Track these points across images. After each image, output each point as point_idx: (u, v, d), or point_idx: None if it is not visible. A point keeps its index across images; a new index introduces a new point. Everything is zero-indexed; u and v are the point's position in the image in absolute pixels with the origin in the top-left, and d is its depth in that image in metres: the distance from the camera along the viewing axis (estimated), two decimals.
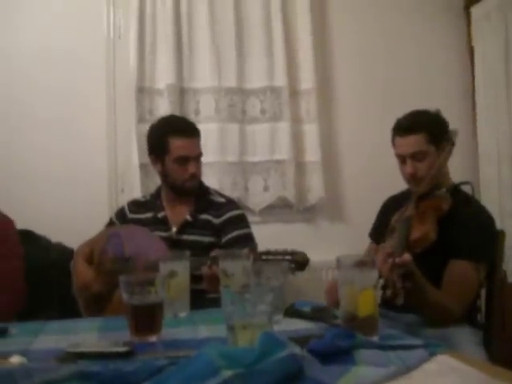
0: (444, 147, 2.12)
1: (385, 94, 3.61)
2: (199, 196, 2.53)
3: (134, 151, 3.27)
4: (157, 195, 2.60)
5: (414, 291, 1.71)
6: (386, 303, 1.66)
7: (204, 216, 2.47)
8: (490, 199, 3.29)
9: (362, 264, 1.36)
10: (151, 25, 3.34)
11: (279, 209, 3.50)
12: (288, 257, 1.79)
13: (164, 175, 2.50)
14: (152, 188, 2.82)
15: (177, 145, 2.42)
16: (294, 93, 3.47)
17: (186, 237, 2.43)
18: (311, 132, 3.47)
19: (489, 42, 3.46)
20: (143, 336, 1.41)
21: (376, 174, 3.43)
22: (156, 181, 2.79)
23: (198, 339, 1.44)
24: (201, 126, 2.61)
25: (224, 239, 2.42)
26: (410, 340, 1.29)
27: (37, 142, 3.25)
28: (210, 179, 3.10)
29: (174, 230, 2.46)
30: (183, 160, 2.42)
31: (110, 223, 2.61)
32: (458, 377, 1.05)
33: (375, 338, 1.30)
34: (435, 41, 3.73)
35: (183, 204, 2.50)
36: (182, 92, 3.37)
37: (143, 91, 3.33)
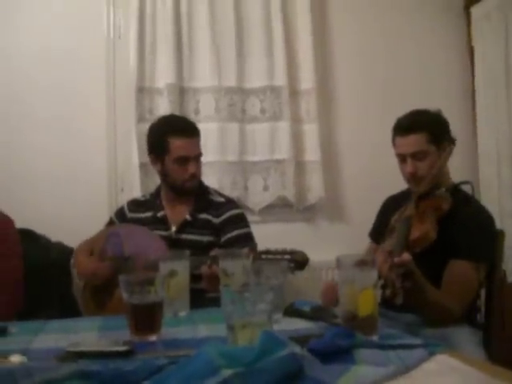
0: (445, 147, 2.12)
1: (385, 94, 3.61)
2: (199, 195, 2.53)
3: (133, 151, 3.27)
4: (156, 194, 2.60)
5: (413, 291, 1.71)
6: (386, 303, 1.66)
7: (203, 215, 2.47)
8: (490, 199, 3.29)
9: (362, 263, 1.37)
10: (151, 25, 3.34)
11: (279, 208, 3.50)
12: (287, 256, 1.79)
13: (164, 175, 2.50)
14: (152, 187, 2.82)
15: (177, 145, 2.42)
16: (294, 92, 3.47)
17: (185, 236, 2.43)
18: (311, 132, 3.46)
19: (489, 42, 3.46)
20: (143, 335, 1.42)
21: (376, 173, 3.42)
22: (156, 180, 2.79)
23: (198, 338, 1.44)
24: (201, 126, 2.61)
25: (223, 239, 2.42)
26: (410, 339, 1.30)
27: (37, 142, 3.24)
28: (210, 179, 3.10)
29: (174, 229, 2.46)
30: (183, 160, 2.42)
31: (110, 222, 2.62)
32: (458, 376, 1.06)
33: (375, 338, 1.30)
34: (435, 41, 3.73)
35: (183, 203, 2.50)
36: (181, 91, 3.37)
37: (143, 91, 3.32)
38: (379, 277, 1.47)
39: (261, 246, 2.21)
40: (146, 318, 1.44)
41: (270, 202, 3.46)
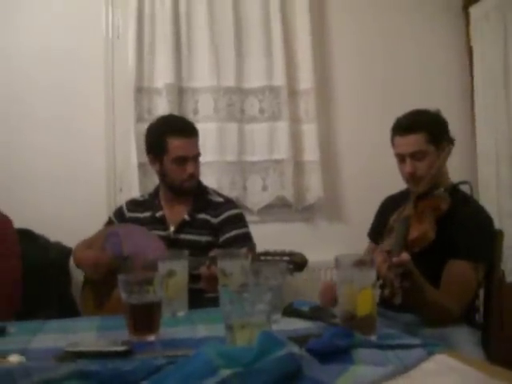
0: (444, 147, 2.12)
1: (384, 94, 3.61)
2: (197, 195, 2.53)
3: (132, 150, 3.27)
4: (155, 194, 2.60)
5: (412, 291, 1.71)
6: (384, 302, 1.66)
7: (202, 215, 2.47)
8: (489, 199, 3.30)
9: (360, 263, 1.37)
10: (150, 25, 3.34)
11: (278, 208, 3.50)
12: (286, 258, 1.79)
13: (162, 175, 2.50)
14: (150, 187, 2.82)
15: (175, 145, 2.41)
16: (293, 92, 3.47)
17: (183, 236, 2.43)
18: (310, 132, 3.47)
19: (488, 42, 3.47)
20: (142, 335, 1.42)
21: (375, 173, 3.43)
22: (154, 180, 2.78)
23: (197, 338, 1.44)
24: (199, 126, 2.61)
25: (222, 238, 2.42)
26: (409, 339, 1.30)
27: (36, 142, 3.24)
28: (209, 179, 3.11)
29: (172, 229, 2.46)
30: (181, 160, 2.42)
31: (109, 222, 2.62)
32: (457, 376, 1.06)
33: (373, 338, 1.30)
34: (434, 41, 3.73)
35: (181, 203, 2.50)
36: (180, 91, 3.37)
37: (142, 91, 3.32)
38: (378, 277, 1.47)
39: (259, 245, 2.21)
40: (145, 317, 1.44)
41: (268, 202, 3.46)
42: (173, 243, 2.38)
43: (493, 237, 2.10)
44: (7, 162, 3.20)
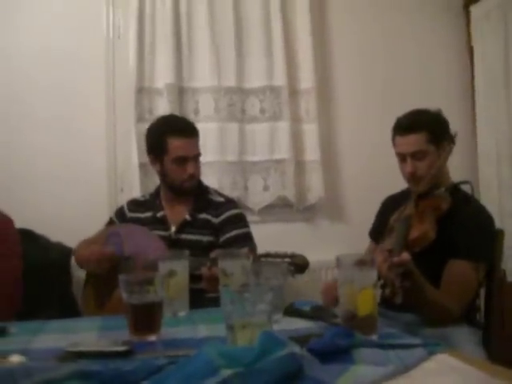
0: (444, 147, 2.12)
1: (384, 94, 3.61)
2: (198, 195, 2.53)
3: (133, 151, 3.27)
4: (156, 195, 2.60)
5: (412, 290, 1.71)
6: (385, 302, 1.66)
7: (203, 215, 2.47)
8: (490, 199, 3.29)
9: (361, 263, 1.37)
10: (150, 25, 3.34)
11: (279, 208, 3.50)
12: (288, 259, 1.79)
13: (163, 175, 2.51)
14: (151, 187, 2.82)
15: (175, 145, 2.42)
16: (294, 92, 3.47)
17: (184, 236, 2.43)
18: (311, 131, 3.47)
19: (488, 42, 3.46)
20: (142, 335, 1.42)
21: (376, 173, 3.43)
22: (155, 180, 2.78)
23: (198, 338, 1.44)
24: (200, 126, 2.62)
25: (222, 238, 2.42)
26: (409, 339, 1.30)
27: (37, 142, 3.24)
28: (210, 179, 3.10)
29: (173, 229, 2.46)
30: (182, 160, 2.42)
31: (110, 222, 2.62)
32: (458, 376, 1.06)
33: (374, 337, 1.30)
34: (435, 40, 3.73)
35: (182, 203, 2.50)
36: (181, 91, 3.37)
37: (142, 91, 3.32)
38: (378, 276, 1.47)
39: (260, 246, 2.21)
40: (146, 317, 1.44)
41: (269, 202, 3.46)
42: (174, 243, 2.38)
43: (494, 236, 2.10)
44: (7, 162, 3.20)
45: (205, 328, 1.55)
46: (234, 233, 2.42)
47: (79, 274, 2.62)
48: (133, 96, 3.27)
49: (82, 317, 2.36)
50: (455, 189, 2.14)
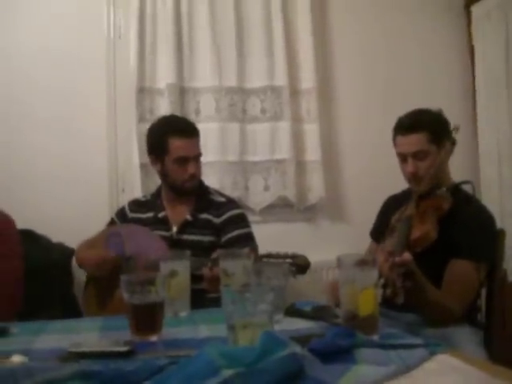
0: (446, 146, 2.12)
1: (385, 94, 3.61)
2: (199, 195, 2.53)
3: (134, 151, 3.27)
4: (157, 195, 2.60)
5: (414, 290, 1.71)
6: (386, 302, 1.66)
7: (204, 215, 2.47)
8: (491, 199, 3.29)
9: (362, 263, 1.37)
10: (151, 25, 3.34)
11: (280, 208, 3.50)
12: (289, 260, 1.79)
13: (164, 175, 2.51)
14: (152, 188, 2.82)
15: (176, 145, 2.42)
16: (295, 92, 3.47)
17: (186, 236, 2.44)
18: (312, 131, 3.47)
19: (489, 41, 3.46)
20: (144, 335, 1.42)
21: (377, 173, 3.43)
22: (156, 180, 2.79)
23: (199, 339, 1.44)
24: (201, 126, 2.62)
25: (224, 238, 2.42)
26: (411, 339, 1.30)
27: (37, 142, 3.24)
28: (211, 179, 3.10)
29: (175, 229, 2.46)
30: (183, 160, 2.42)
31: (111, 222, 2.62)
32: (459, 376, 1.06)
33: (376, 337, 1.30)
34: (436, 40, 3.73)
35: (183, 204, 2.51)
36: (182, 91, 3.37)
37: (144, 91, 3.32)
38: (380, 276, 1.47)
39: (262, 246, 2.21)
40: (147, 318, 1.44)
41: (270, 202, 3.46)
42: (175, 243, 2.38)
43: (495, 236, 2.10)
44: (8, 162, 3.20)
45: (206, 328, 1.55)
46: (235, 233, 2.43)
47: (80, 274, 2.62)
48: (134, 96, 3.27)
49: (83, 317, 2.36)
50: (456, 189, 2.14)
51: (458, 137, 2.18)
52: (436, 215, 2.00)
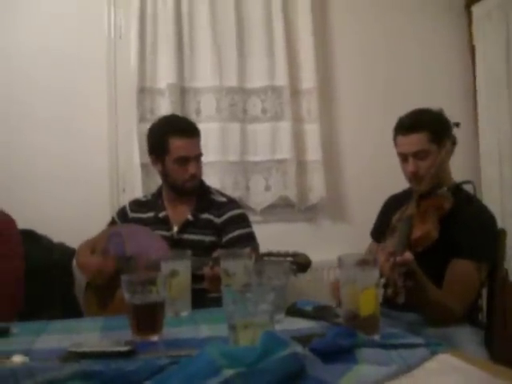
0: (446, 146, 2.12)
1: (386, 94, 3.61)
2: (200, 195, 2.53)
3: (135, 151, 3.27)
4: (158, 195, 2.60)
5: (415, 290, 1.71)
6: (387, 302, 1.66)
7: (205, 215, 2.47)
8: (492, 199, 3.29)
9: (363, 263, 1.37)
10: (152, 25, 3.34)
11: (280, 208, 3.50)
12: (290, 258, 1.79)
13: (164, 175, 2.51)
14: (153, 188, 2.83)
15: (177, 145, 2.42)
16: (296, 92, 3.47)
17: (187, 236, 2.44)
18: (312, 131, 3.46)
19: (490, 41, 3.46)
20: (145, 335, 1.42)
21: (377, 173, 3.43)
22: (157, 180, 2.79)
23: (200, 338, 1.44)
24: (202, 126, 2.62)
25: (225, 238, 2.42)
26: (412, 339, 1.30)
27: (37, 142, 3.24)
28: (212, 179, 3.10)
29: (176, 229, 2.46)
30: (183, 160, 2.42)
31: (112, 222, 2.62)
32: (460, 376, 1.05)
33: (377, 337, 1.30)
34: (436, 40, 3.73)
35: (184, 203, 2.51)
36: (183, 91, 3.37)
37: (144, 91, 3.32)
38: (381, 276, 1.47)
39: (262, 245, 2.21)
40: (148, 318, 1.44)
41: (271, 202, 3.46)
42: (176, 243, 2.38)
43: (496, 236, 2.10)
44: (8, 162, 3.20)
45: (207, 328, 1.55)
46: (236, 233, 2.43)
47: (81, 274, 2.62)
48: (134, 96, 3.27)
49: (84, 317, 2.36)
50: (457, 188, 2.14)
51: (459, 137, 2.18)
52: (437, 215, 2.00)
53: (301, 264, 1.79)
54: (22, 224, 2.47)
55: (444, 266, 1.98)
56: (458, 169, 2.26)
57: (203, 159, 2.54)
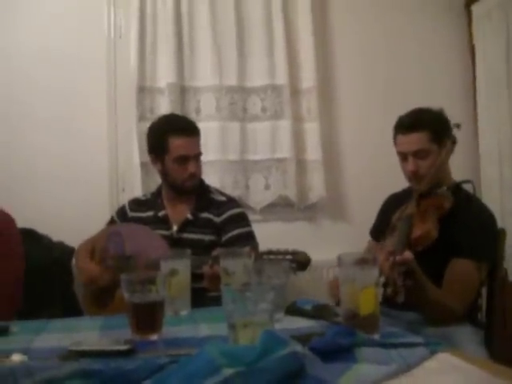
0: (446, 146, 2.12)
1: (386, 93, 3.61)
2: (200, 194, 2.53)
3: (134, 150, 3.27)
4: (157, 194, 2.60)
5: (414, 289, 1.71)
6: (387, 301, 1.66)
7: (205, 214, 2.47)
8: (491, 198, 3.29)
9: (363, 262, 1.36)
10: (152, 25, 3.34)
11: (280, 207, 3.50)
12: (289, 257, 1.79)
13: (164, 174, 2.51)
14: (153, 187, 2.83)
15: (176, 144, 2.42)
16: (295, 91, 3.47)
17: (186, 235, 2.44)
18: (312, 130, 3.46)
19: (490, 41, 3.46)
20: (144, 334, 1.42)
21: (377, 172, 3.42)
22: (157, 179, 2.79)
23: (199, 337, 1.44)
24: (201, 125, 2.62)
25: (225, 238, 2.42)
26: (411, 338, 1.30)
27: (37, 142, 3.24)
28: (211, 178, 3.10)
29: (175, 228, 2.46)
30: (183, 159, 2.42)
31: (111, 221, 2.62)
32: (459, 375, 1.05)
33: (376, 336, 1.30)
34: (436, 40, 3.73)
35: (184, 203, 2.51)
36: (182, 91, 3.37)
37: (144, 90, 3.32)
38: (380, 275, 1.47)
39: (262, 244, 2.21)
40: (148, 317, 1.44)
41: (271, 201, 3.46)
42: (176, 242, 2.38)
43: (495, 236, 2.10)
44: (8, 162, 3.20)
45: (206, 327, 1.55)
46: (236, 232, 2.43)
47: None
48: (134, 95, 3.27)
49: (83, 316, 2.36)
50: (457, 188, 2.14)
51: (459, 136, 2.19)
52: (437, 214, 2.00)
53: (300, 262, 1.79)
54: (21, 223, 2.47)
55: (444, 266, 1.98)
56: (457, 168, 2.26)
57: (203, 158, 2.54)
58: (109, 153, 3.34)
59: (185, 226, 2.45)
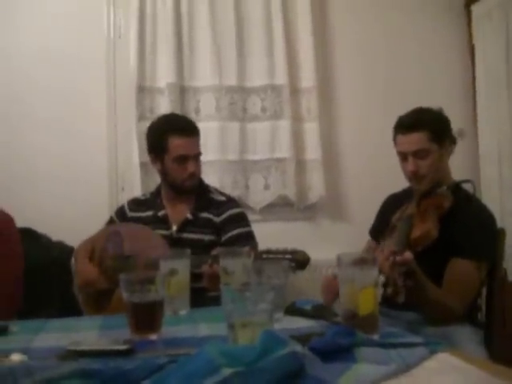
0: (446, 145, 2.12)
1: (385, 93, 3.61)
2: (199, 194, 2.53)
3: (134, 150, 3.28)
4: (157, 193, 2.60)
5: (414, 289, 1.71)
6: (387, 301, 1.66)
7: (204, 214, 2.47)
8: (491, 198, 3.29)
9: (362, 262, 1.36)
10: (151, 25, 3.34)
11: (280, 207, 3.50)
12: (288, 256, 1.79)
13: (163, 174, 2.51)
14: (152, 186, 2.82)
15: (176, 144, 2.42)
16: (295, 91, 3.47)
17: (186, 235, 2.44)
18: (312, 130, 3.46)
19: (490, 41, 3.45)
20: (143, 334, 1.41)
21: (377, 172, 3.42)
22: (156, 179, 2.79)
23: (199, 337, 1.44)
24: (201, 125, 2.62)
25: (224, 237, 2.42)
26: (411, 338, 1.30)
27: (37, 142, 3.25)
28: (211, 177, 3.10)
29: (175, 228, 2.46)
30: (182, 159, 2.42)
31: (110, 221, 2.62)
32: (459, 375, 1.05)
33: (376, 336, 1.30)
34: (436, 40, 3.72)
35: (183, 202, 2.50)
36: (182, 90, 3.37)
37: (144, 90, 3.32)
38: (380, 275, 1.47)
39: (262, 244, 2.21)
40: (147, 316, 1.44)
41: (270, 201, 3.46)
42: (175, 242, 2.38)
43: (495, 235, 2.10)
44: (8, 162, 3.21)
45: (206, 327, 1.55)
46: (235, 232, 2.43)
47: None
48: (134, 95, 3.28)
49: (83, 316, 2.35)
50: (457, 188, 2.14)
51: (463, 137, 2.18)
52: (437, 214, 2.00)
53: (299, 261, 1.79)
54: (21, 222, 2.47)
55: (444, 265, 1.98)
56: (457, 168, 2.26)
57: (202, 158, 2.54)
58: (108, 153, 3.34)
59: (184, 225, 2.45)
